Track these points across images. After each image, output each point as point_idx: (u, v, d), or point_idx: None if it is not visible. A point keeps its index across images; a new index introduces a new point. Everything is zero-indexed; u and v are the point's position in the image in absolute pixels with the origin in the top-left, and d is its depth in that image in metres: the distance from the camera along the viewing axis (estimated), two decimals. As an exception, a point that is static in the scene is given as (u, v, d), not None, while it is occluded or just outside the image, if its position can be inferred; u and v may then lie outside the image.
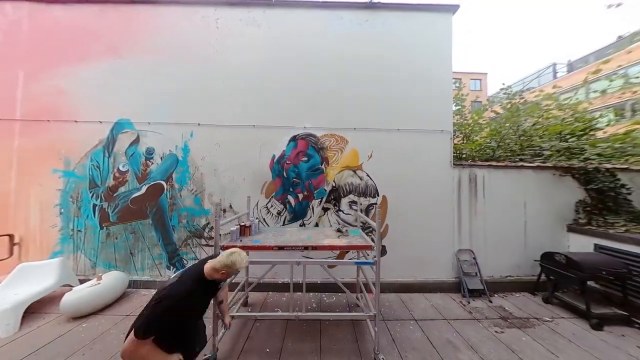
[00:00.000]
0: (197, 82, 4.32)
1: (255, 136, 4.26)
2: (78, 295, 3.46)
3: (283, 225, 4.21)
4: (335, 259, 4.25)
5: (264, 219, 4.21)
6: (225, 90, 4.32)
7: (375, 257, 2.76)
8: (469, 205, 4.37)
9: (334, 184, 4.27)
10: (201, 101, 4.31)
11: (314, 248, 2.87)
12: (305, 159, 4.26)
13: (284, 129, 4.24)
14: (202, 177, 4.27)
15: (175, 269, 4.26)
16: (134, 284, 4.17)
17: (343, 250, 4.16)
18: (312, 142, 4.27)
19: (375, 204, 4.26)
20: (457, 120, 6.51)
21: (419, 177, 4.32)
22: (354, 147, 4.29)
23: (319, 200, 4.25)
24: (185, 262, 4.28)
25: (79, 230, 4.23)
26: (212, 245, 4.23)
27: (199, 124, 4.26)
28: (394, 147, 4.32)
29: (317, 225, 4.23)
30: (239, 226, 3.18)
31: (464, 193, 4.37)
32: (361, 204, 4.19)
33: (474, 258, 4.29)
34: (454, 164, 4.39)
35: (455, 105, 6.59)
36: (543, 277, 4.06)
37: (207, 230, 4.26)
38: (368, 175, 4.28)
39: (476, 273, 4.20)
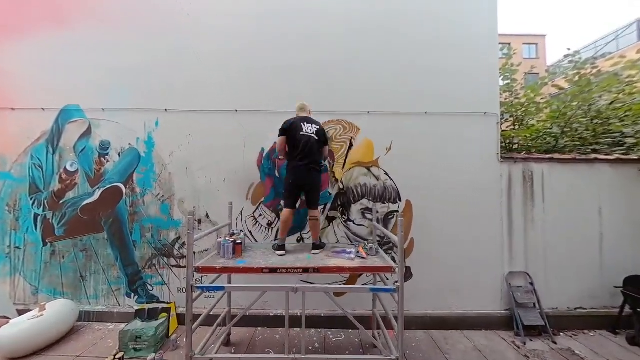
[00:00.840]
0: (164, 58, 4.27)
1: (239, 124, 4.17)
2: (16, 329, 3.41)
3: (275, 239, 4.13)
4: (345, 284, 4.14)
5: (250, 232, 4.12)
6: (201, 67, 4.25)
7: (397, 282, 2.61)
8: (523, 212, 4.16)
9: (341, 186, 4.15)
10: (169, 81, 4.25)
11: (317, 270, 2.75)
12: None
13: (275, 115, 4.07)
14: (171, 178, 4.20)
15: (137, 296, 4.23)
16: (85, 316, 4.14)
17: (355, 274, 4.05)
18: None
19: (397, 211, 4.11)
20: (506, 99, 6.23)
21: (454, 175, 4.14)
22: (368, 137, 4.15)
23: (322, 207, 4.16)
24: (149, 287, 4.25)
25: (17, 248, 4.24)
26: (184, 267, 4.19)
27: (166, 110, 4.20)
28: (421, 135, 4.16)
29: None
30: (231, 243, 3.12)
31: (516, 196, 4.17)
32: (378, 212, 4.02)
33: (531, 283, 4.08)
34: (502, 158, 4.20)
35: (502, 79, 6.32)
36: (627, 309, 3.81)
37: (177, 246, 4.21)
38: (386, 174, 4.14)
39: (534, 304, 4.00)
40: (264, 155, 4.16)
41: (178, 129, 4.22)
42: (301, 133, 3.33)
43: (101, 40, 4.28)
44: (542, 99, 6.22)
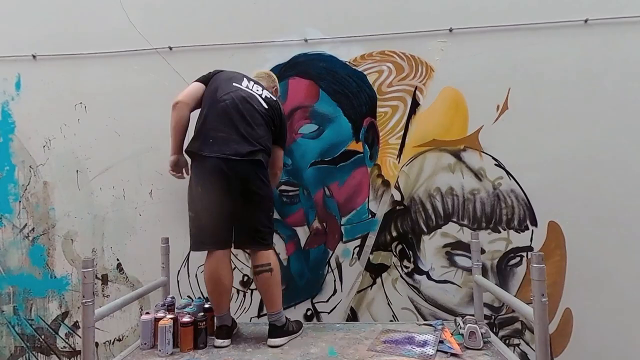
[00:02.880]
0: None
1: (179, 76, 2.06)
2: None
3: (259, 314, 2.02)
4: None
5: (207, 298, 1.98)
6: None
7: None
8: None
9: (397, 197, 1.94)
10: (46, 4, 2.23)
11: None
12: (312, 127, 1.99)
13: (250, 51, 2.03)
14: (48, 192, 2.17)
15: None
16: None
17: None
18: (330, 78, 1.99)
19: (528, 248, 1.86)
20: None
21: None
22: (453, 86, 1.94)
23: (359, 241, 1.98)
24: None
25: None
26: None
27: (34, 58, 2.16)
28: (578, 76, 1.87)
29: (352, 315, 1.95)
30: (170, 324, 1.44)
31: None
32: (484, 251, 1.82)
33: None
34: None
35: None
36: None
37: (64, 331, 2.15)
38: (499, 165, 1.87)
39: None
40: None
41: (59, 95, 2.16)
42: (228, 91, 1.61)
43: None
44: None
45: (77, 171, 2.15)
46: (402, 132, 1.96)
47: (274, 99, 1.70)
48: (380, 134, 1.98)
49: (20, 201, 2.18)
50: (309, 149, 2.02)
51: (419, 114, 1.96)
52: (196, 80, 1.67)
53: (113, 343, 2.12)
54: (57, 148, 2.17)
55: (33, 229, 2.17)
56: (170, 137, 1.65)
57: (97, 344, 2.07)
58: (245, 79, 1.68)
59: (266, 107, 1.61)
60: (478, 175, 1.90)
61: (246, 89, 1.64)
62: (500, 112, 1.90)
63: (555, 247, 1.85)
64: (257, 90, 1.68)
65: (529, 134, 1.89)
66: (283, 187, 2.04)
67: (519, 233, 1.87)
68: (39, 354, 2.18)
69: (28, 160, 2.19)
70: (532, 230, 1.86)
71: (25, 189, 2.18)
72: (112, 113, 2.14)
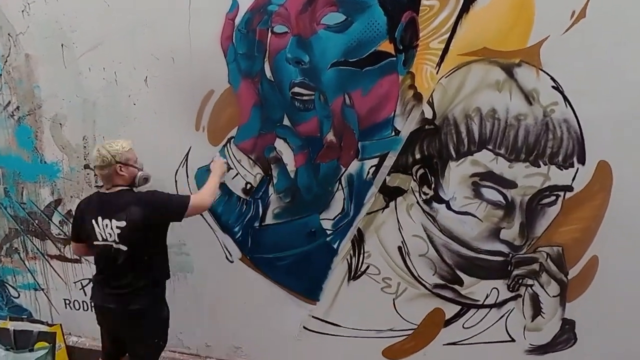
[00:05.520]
0: None
1: None
2: None
3: (262, 225, 1.96)
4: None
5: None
6: None
7: None
8: None
9: (428, 114, 1.68)
10: None
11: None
12: (339, 17, 1.64)
13: None
14: (32, 66, 1.97)
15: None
16: None
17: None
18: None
19: (567, 188, 1.65)
20: None
21: None
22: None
23: (376, 160, 1.78)
24: (12, 292, 2.34)
25: None
26: (71, 260, 2.25)
27: None
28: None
29: (359, 236, 1.85)
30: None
31: None
32: (516, 186, 1.65)
33: None
34: None
35: None
36: None
37: (58, 218, 2.16)
38: (558, 88, 1.54)
39: None
40: (236, 23, 1.74)
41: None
42: (95, 242, 1.66)
43: None
44: None
45: (62, 45, 1.90)
46: (447, 35, 1.61)
47: (126, 214, 1.58)
48: (421, 35, 1.63)
49: (1, 75, 1.99)
50: (332, 45, 1.69)
51: (473, 13, 1.58)
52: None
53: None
54: (37, 15, 1.90)
55: (18, 108, 2.02)
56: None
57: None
58: (94, 219, 1.63)
59: (127, 236, 1.58)
60: (529, 97, 1.60)
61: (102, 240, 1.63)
62: (574, 20, 1.54)
63: (599, 190, 1.63)
64: (108, 230, 1.61)
65: (605, 54, 1.52)
66: (297, 90, 1.78)
67: (561, 170, 1.63)
68: (34, 237, 2.20)
69: (6, 27, 1.95)
70: (577, 169, 1.62)
71: (6, 61, 1.97)
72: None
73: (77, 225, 1.70)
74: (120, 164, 1.56)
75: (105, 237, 1.58)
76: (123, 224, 1.53)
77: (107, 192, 1.61)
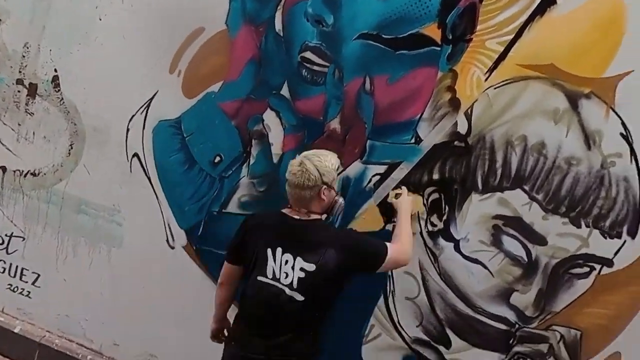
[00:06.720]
0: None
1: None
2: None
3: (222, 211, 1.62)
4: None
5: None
6: None
7: None
8: None
9: (461, 128, 1.39)
10: None
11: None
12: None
13: None
14: None
15: None
16: None
17: None
18: None
19: (606, 263, 1.33)
20: None
21: None
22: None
23: (383, 168, 1.46)
24: None
25: None
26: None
27: None
28: None
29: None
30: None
31: None
32: (553, 249, 1.34)
33: None
34: None
35: None
36: None
37: None
38: (627, 139, 1.26)
39: None
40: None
41: None
42: (259, 277, 1.24)
43: None
44: None
45: None
46: (510, 37, 1.32)
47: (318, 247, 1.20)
48: (478, 28, 1.34)
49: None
50: (366, 11, 1.38)
51: (547, 19, 1.29)
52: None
53: (25, 176, 1.70)
54: None
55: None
56: None
57: (4, 169, 1.67)
58: (275, 249, 1.24)
59: (303, 281, 1.18)
60: (590, 139, 1.31)
61: (269, 281, 1.23)
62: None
63: (645, 272, 1.39)
64: (286, 270, 1.21)
65: None
66: (308, 56, 1.45)
67: (605, 238, 1.34)
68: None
69: None
70: (624, 241, 1.34)
71: None
72: None
73: (244, 243, 1.28)
74: (326, 185, 1.21)
75: (277, 277, 1.18)
76: (312, 267, 1.14)
77: (296, 217, 1.22)
